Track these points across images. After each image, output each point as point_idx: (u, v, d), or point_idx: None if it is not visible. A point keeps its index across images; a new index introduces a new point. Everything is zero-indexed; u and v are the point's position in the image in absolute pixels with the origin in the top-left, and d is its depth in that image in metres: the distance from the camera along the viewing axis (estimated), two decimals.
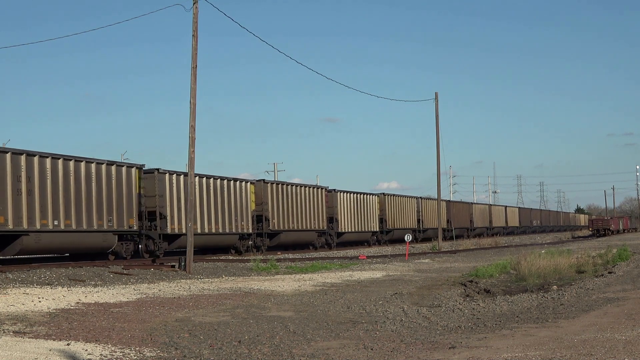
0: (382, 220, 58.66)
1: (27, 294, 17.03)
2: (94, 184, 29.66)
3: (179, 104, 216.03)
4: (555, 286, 22.01)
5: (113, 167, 30.90)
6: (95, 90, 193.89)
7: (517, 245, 54.51)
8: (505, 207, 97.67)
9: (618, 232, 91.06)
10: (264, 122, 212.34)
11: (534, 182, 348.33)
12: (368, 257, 38.79)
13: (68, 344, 11.21)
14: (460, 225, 75.11)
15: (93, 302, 16.16)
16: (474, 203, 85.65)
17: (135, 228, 31.86)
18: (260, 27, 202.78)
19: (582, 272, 26.36)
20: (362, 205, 55.43)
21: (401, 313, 16.49)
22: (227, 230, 38.69)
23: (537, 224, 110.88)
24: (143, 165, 32.84)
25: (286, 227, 44.33)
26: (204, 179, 37.42)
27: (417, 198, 66.45)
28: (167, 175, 34.52)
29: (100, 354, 10.66)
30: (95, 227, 29.48)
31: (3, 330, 12.09)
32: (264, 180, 43.01)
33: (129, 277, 23.67)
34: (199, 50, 27.21)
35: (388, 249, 51.78)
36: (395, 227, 60.55)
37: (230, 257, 37.31)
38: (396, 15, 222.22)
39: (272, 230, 42.87)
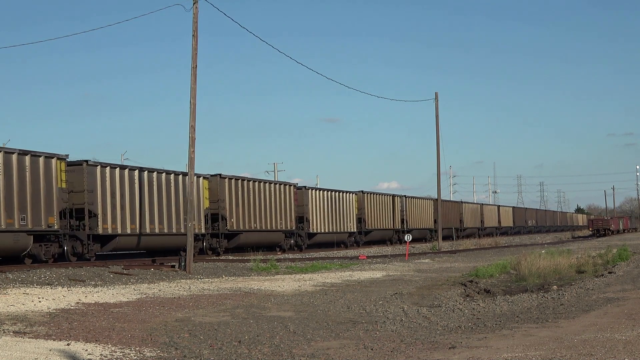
0: (360, 220, 54.93)
1: (27, 294, 17.03)
2: (1, 177, 25.74)
3: (179, 104, 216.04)
4: (555, 286, 22.01)
5: (27, 157, 26.82)
6: (95, 90, 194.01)
7: (517, 245, 54.51)
8: (498, 206, 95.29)
9: (618, 232, 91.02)
10: (264, 122, 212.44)
11: (534, 182, 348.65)
12: (368, 257, 38.80)
13: (68, 344, 11.21)
14: (449, 226, 71.41)
15: (93, 302, 16.15)
16: (464, 202, 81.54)
17: (56, 227, 27.81)
18: (260, 27, 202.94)
19: (582, 272, 26.35)
20: (338, 204, 51.76)
21: (401, 313, 16.49)
22: (175, 231, 34.91)
23: (532, 224, 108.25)
24: (66, 155, 28.77)
25: (247, 227, 40.38)
26: (145, 172, 33.67)
27: (400, 196, 62.84)
28: (98, 167, 30.66)
29: (100, 354, 10.66)
30: (3, 227, 25.59)
31: (3, 330, 12.09)
32: (220, 174, 39.02)
33: (129, 277, 23.67)
34: (199, 50, 27.24)
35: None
36: (375, 227, 57.14)
37: (231, 257, 37.12)
38: (396, 15, 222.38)
39: (229, 230, 38.93)
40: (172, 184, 35.35)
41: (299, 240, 46.88)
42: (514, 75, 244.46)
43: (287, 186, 45.70)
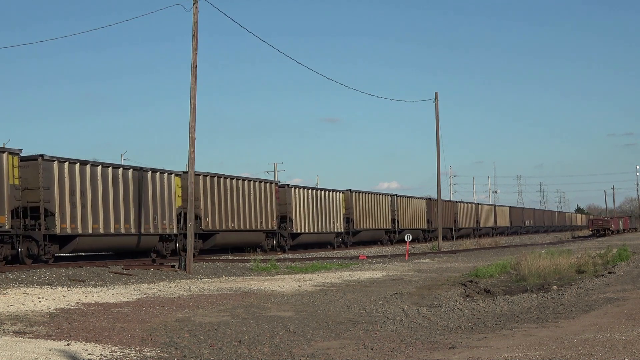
0: (348, 220, 52.77)
1: (27, 294, 17.03)
2: None
3: (179, 104, 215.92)
4: (555, 286, 22.01)
5: None
6: (95, 90, 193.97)
7: (517, 245, 54.53)
8: (495, 206, 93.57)
9: (618, 232, 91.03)
10: (264, 122, 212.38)
11: (534, 182, 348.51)
12: (368, 257, 38.82)
13: (68, 344, 11.21)
14: (442, 226, 68.63)
15: (93, 302, 16.16)
16: (459, 202, 79.35)
17: (7, 227, 25.66)
18: (260, 27, 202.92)
19: (582, 272, 26.36)
20: (324, 203, 49.47)
21: (401, 313, 16.49)
22: (143, 231, 32.58)
23: (530, 224, 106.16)
24: (20, 150, 26.76)
25: (224, 227, 38.17)
26: (109, 169, 31.33)
27: (391, 195, 60.66)
28: (55, 163, 28.39)
29: (100, 354, 10.66)
30: None
31: (3, 330, 12.09)
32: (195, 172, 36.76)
33: (129, 277, 23.68)
34: (199, 50, 27.25)
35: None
36: (364, 227, 54.93)
37: (231, 258, 37.06)
38: (396, 15, 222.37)
39: (204, 230, 36.68)
40: (142, 182, 32.90)
41: (281, 241, 44.67)
42: (514, 75, 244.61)
43: (268, 184, 43.64)
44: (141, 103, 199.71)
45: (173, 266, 28.12)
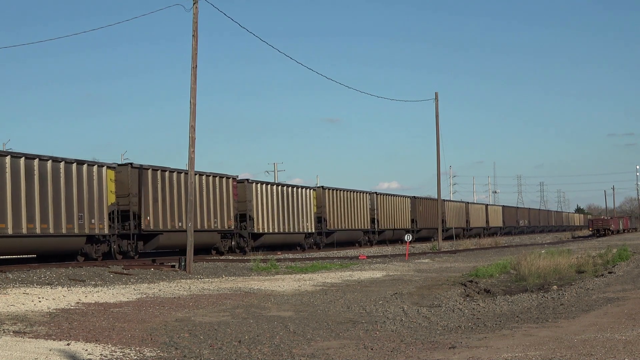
0: (320, 220, 49.04)
1: (27, 294, 17.04)
2: None
3: (179, 104, 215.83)
4: (555, 286, 22.01)
5: None
6: (95, 90, 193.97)
7: (517, 245, 54.54)
8: (486, 205, 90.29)
9: (618, 232, 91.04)
10: (264, 122, 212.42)
11: (534, 182, 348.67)
12: (368, 257, 38.83)
13: (68, 344, 11.21)
14: (429, 226, 66.34)
15: (93, 302, 16.16)
16: (448, 200, 74.84)
17: None
18: (260, 27, 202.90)
19: (582, 272, 26.36)
20: (291, 201, 45.69)
21: (401, 313, 16.49)
22: (65, 231, 28.36)
23: (524, 224, 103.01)
24: None
25: (169, 227, 34.25)
26: (22, 159, 26.92)
27: (370, 193, 56.88)
28: None
29: (101, 354, 10.67)
30: None
31: (3, 330, 12.10)
32: (131, 164, 32.69)
33: (129, 277, 23.68)
34: (199, 50, 27.24)
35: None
36: (339, 227, 51.13)
37: (231, 257, 37.03)
38: (396, 15, 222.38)
39: (145, 230, 32.75)
40: (66, 175, 28.65)
41: (240, 242, 40.88)
42: (514, 75, 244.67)
43: (224, 179, 39.16)
44: (141, 103, 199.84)
45: (173, 266, 28.14)
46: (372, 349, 12.07)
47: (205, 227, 37.14)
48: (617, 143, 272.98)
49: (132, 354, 10.86)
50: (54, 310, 14.42)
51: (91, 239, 30.37)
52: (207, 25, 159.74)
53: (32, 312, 14.15)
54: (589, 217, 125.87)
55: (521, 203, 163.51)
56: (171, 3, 27.26)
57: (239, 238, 40.84)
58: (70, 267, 25.06)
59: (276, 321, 14.63)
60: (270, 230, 43.20)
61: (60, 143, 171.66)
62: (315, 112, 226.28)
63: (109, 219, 31.12)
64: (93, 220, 30.01)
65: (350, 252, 46.18)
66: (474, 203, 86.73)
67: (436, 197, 57.83)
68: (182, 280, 23.22)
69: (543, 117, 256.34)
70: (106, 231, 30.86)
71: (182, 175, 35.27)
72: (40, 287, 18.97)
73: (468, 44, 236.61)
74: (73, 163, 29.23)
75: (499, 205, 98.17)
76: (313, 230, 48.13)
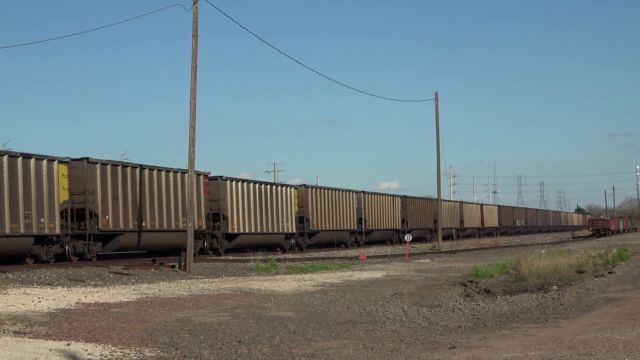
0: (302, 220, 46.66)
1: (27, 294, 17.04)
2: None
3: (179, 104, 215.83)
4: (555, 286, 22.02)
5: None
6: (95, 90, 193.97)
7: (517, 245, 54.58)
8: (481, 205, 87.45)
9: (618, 232, 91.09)
10: (264, 122, 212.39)
11: (534, 182, 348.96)
12: (368, 257, 38.86)
13: (68, 344, 11.21)
14: (420, 226, 64.14)
15: (93, 302, 16.16)
16: (441, 200, 71.41)
17: None
18: (260, 27, 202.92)
19: (582, 272, 26.36)
20: (271, 200, 43.16)
21: (401, 313, 16.50)
22: (9, 231, 25.89)
23: (521, 225, 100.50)
24: None
25: (130, 227, 31.61)
26: None
27: (357, 192, 54.38)
28: None
29: (101, 354, 10.67)
30: None
31: (3, 330, 12.10)
32: (87, 159, 29.89)
33: (129, 277, 23.68)
34: (199, 50, 27.25)
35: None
36: (323, 228, 48.55)
37: (231, 258, 37.02)
38: (396, 15, 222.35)
39: (104, 230, 30.18)
40: (10, 169, 26.31)
41: (214, 242, 38.25)
42: (514, 75, 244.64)
43: (195, 175, 33.23)
44: (141, 103, 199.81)
45: (173, 266, 28.16)
46: (372, 349, 12.07)
47: (173, 227, 34.35)
48: (617, 143, 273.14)
49: (132, 354, 10.86)
50: (54, 311, 14.43)
51: (41, 239, 27.71)
52: (207, 25, 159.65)
53: (32, 312, 14.15)
54: (589, 217, 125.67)
55: (521, 203, 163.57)
56: (171, 3, 27.31)
57: (212, 239, 38.34)
58: (70, 267, 25.06)
59: (276, 321, 14.63)
60: (247, 231, 40.69)
61: (60, 143, 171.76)
62: (315, 112, 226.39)
63: (62, 217, 28.42)
64: (42, 219, 27.41)
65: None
66: (468, 203, 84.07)
67: (436, 196, 57.77)
68: (182, 280, 23.22)
69: (543, 117, 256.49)
70: (58, 231, 28.09)
71: (146, 171, 33.10)
72: (40, 287, 18.97)
73: (468, 44, 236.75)
74: (18, 157, 26.75)
75: (495, 205, 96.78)
76: (294, 231, 45.81)
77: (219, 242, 38.45)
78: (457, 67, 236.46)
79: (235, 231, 39.57)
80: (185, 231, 33.48)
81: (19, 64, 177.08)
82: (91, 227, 29.74)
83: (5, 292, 17.35)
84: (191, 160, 27.33)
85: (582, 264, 28.27)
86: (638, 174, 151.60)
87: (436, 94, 51.99)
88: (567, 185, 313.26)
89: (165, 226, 33.79)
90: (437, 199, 69.61)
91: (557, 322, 14.42)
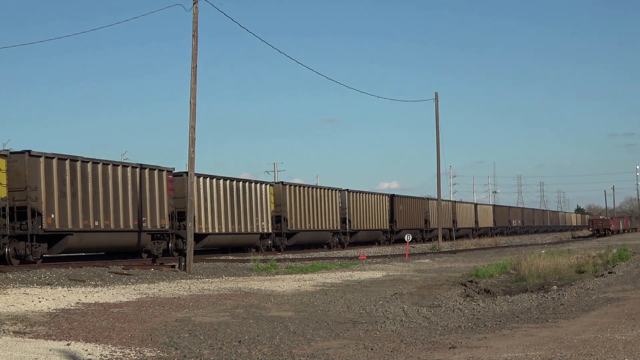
0: (279, 219, 44.29)
1: (27, 294, 17.04)
2: None
3: (179, 104, 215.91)
4: (555, 286, 22.02)
5: None
6: (96, 90, 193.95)
7: (517, 245, 54.60)
8: (476, 204, 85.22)
9: (618, 232, 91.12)
10: (264, 122, 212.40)
11: (534, 182, 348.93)
12: (368, 257, 38.88)
13: (68, 344, 11.21)
14: (410, 227, 61.77)
15: (93, 302, 16.16)
16: (432, 199, 67.81)
17: None
18: (260, 27, 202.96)
19: (582, 272, 26.37)
20: (243, 197, 40.59)
21: (401, 313, 16.50)
22: None
23: (517, 224, 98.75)
24: None
25: (81, 227, 28.73)
26: None
27: (340, 191, 51.93)
28: None
29: (101, 354, 10.67)
30: None
31: (3, 330, 12.10)
32: (29, 152, 26.86)
33: (129, 277, 23.68)
34: (199, 50, 27.25)
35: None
36: (303, 228, 46.12)
37: (231, 258, 36.96)
38: (396, 15, 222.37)
39: (49, 230, 27.33)
40: None
41: (179, 243, 35.11)
42: (514, 75, 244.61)
43: (157, 171, 33.55)
44: (141, 103, 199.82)
45: (173, 266, 28.15)
46: (372, 349, 12.07)
47: (131, 226, 31.56)
48: (617, 143, 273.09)
49: (132, 354, 10.86)
50: (54, 311, 14.43)
51: None
52: (207, 25, 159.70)
53: (32, 312, 14.15)
54: (589, 217, 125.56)
55: (521, 203, 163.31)
56: (171, 3, 27.31)
57: (177, 239, 35.28)
58: (70, 267, 25.05)
59: (276, 321, 14.63)
60: (217, 231, 38.07)
61: (60, 143, 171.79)
62: (315, 112, 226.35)
63: (1, 216, 25.74)
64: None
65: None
66: (461, 202, 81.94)
67: (436, 196, 57.73)
68: (182, 280, 23.22)
69: (543, 117, 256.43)
70: None
71: (100, 166, 30.07)
72: (40, 287, 18.97)
73: (468, 44, 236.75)
74: None
75: (489, 205, 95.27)
76: (270, 231, 43.29)
77: (183, 242, 34.10)
78: (457, 67, 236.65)
79: (203, 231, 36.94)
80: (146, 231, 32.60)
81: (19, 64, 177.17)
82: (34, 227, 26.75)
83: (5, 292, 17.35)
84: (191, 160, 27.33)
85: (582, 264, 28.28)
86: (638, 174, 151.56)
87: (436, 94, 52.02)
88: (567, 185, 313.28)
89: (121, 226, 31.05)
90: (427, 198, 68.99)
91: (557, 322, 14.42)
